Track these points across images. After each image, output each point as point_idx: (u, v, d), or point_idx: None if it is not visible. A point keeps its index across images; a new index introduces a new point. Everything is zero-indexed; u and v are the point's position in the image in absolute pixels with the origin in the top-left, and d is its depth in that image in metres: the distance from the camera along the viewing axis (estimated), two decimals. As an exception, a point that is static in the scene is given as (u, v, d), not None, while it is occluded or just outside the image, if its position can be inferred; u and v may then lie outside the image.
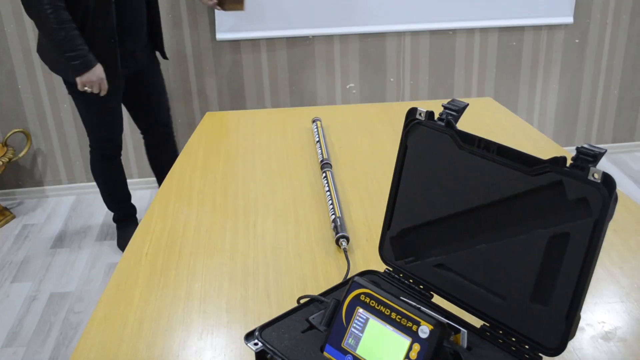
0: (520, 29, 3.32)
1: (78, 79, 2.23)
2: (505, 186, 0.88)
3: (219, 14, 3.04)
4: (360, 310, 0.87)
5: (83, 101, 2.41)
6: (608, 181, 0.78)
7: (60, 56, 2.22)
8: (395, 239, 1.04)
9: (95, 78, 2.22)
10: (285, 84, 3.30)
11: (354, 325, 0.87)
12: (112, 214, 2.83)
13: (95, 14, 2.18)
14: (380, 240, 1.07)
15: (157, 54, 2.63)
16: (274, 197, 1.56)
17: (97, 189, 3.39)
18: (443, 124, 0.97)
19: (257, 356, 0.92)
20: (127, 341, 1.06)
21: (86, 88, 2.25)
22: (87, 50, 2.18)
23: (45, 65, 3.09)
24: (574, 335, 0.83)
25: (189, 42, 3.14)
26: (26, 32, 3.03)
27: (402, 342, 0.82)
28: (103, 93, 2.29)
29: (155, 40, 2.57)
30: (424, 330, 0.80)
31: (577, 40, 3.40)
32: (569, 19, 3.30)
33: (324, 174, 1.63)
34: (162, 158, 2.79)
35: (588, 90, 3.54)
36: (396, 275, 1.05)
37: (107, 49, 2.25)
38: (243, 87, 3.29)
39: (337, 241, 1.32)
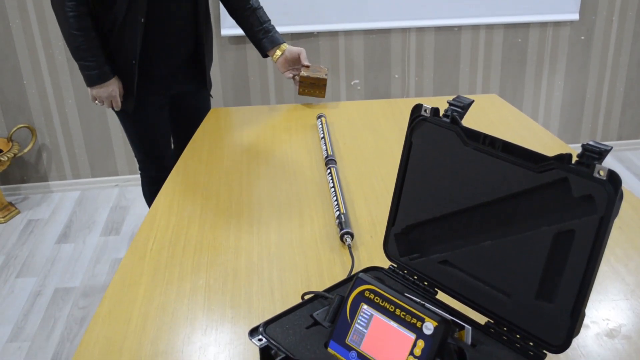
0: (526, 25, 3.31)
1: (89, 90, 2.10)
2: (511, 183, 0.88)
3: (223, 9, 3.04)
4: (365, 306, 0.87)
5: (125, 119, 2.26)
6: (613, 178, 0.78)
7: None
8: (400, 235, 1.04)
9: (105, 94, 2.08)
10: (289, 80, 3.29)
11: (358, 321, 0.87)
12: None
13: (123, 31, 2.03)
14: (384, 237, 1.07)
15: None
16: (279, 193, 1.56)
17: (102, 185, 3.40)
18: (448, 120, 0.97)
19: (262, 352, 0.92)
20: (131, 336, 1.07)
21: (96, 102, 2.13)
22: (102, 63, 2.03)
23: (49, 61, 3.10)
24: (578, 332, 0.83)
25: (194, 38, 3.14)
26: (31, 27, 3.03)
27: (407, 338, 0.82)
28: (117, 109, 2.15)
29: (200, 68, 2.28)
30: (429, 327, 0.80)
31: (582, 37, 3.38)
32: (575, 16, 3.29)
33: (328, 171, 1.63)
34: None
35: (593, 88, 3.53)
36: (400, 272, 1.04)
37: (125, 69, 2.09)
38: (248, 83, 3.29)
39: (341, 237, 1.32)
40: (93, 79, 2.05)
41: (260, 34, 2.17)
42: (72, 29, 1.98)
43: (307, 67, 2.17)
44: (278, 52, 2.16)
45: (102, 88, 2.06)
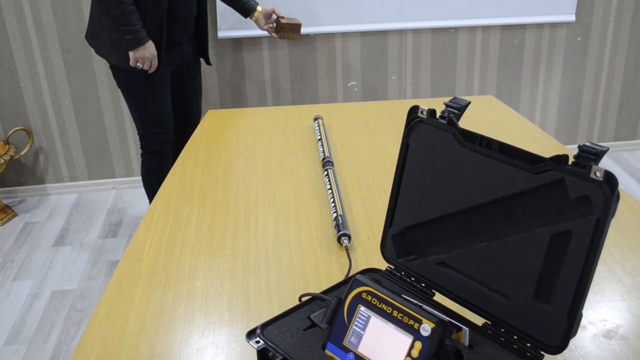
0: (522, 26, 3.32)
1: (131, 54, 2.28)
2: (507, 184, 0.88)
3: (220, 11, 3.04)
4: (362, 308, 0.87)
5: (132, 91, 2.46)
6: (610, 179, 0.78)
7: (112, 37, 2.29)
8: (397, 237, 1.04)
9: (148, 54, 2.29)
10: (286, 82, 3.30)
11: (356, 323, 0.87)
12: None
13: (148, 0, 2.24)
14: (382, 238, 1.07)
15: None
16: (276, 195, 1.56)
17: (99, 187, 3.40)
18: (445, 122, 0.97)
19: (259, 354, 0.92)
20: (128, 339, 1.06)
21: (138, 64, 2.30)
22: (141, 26, 2.25)
23: (46, 64, 3.09)
24: (575, 333, 0.83)
25: (191, 40, 3.14)
26: (27, 30, 3.03)
27: (404, 340, 0.82)
28: (152, 70, 2.34)
29: (200, 38, 2.60)
30: (426, 328, 0.80)
31: (579, 38, 3.39)
32: (571, 17, 3.29)
33: (325, 172, 1.63)
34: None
35: (590, 88, 3.53)
36: (398, 273, 1.04)
37: (153, 36, 2.29)
38: (245, 85, 3.29)
39: (338, 239, 1.32)
40: (135, 42, 2.26)
41: (242, 0, 2.63)
42: None
43: (283, 17, 2.69)
44: (256, 13, 2.64)
45: (145, 49, 2.28)
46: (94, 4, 2.33)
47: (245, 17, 2.67)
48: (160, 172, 2.64)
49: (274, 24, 2.70)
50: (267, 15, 2.67)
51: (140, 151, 2.66)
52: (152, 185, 2.68)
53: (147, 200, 3.19)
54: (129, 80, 2.43)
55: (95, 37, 2.40)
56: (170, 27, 2.37)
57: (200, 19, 2.54)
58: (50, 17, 3.02)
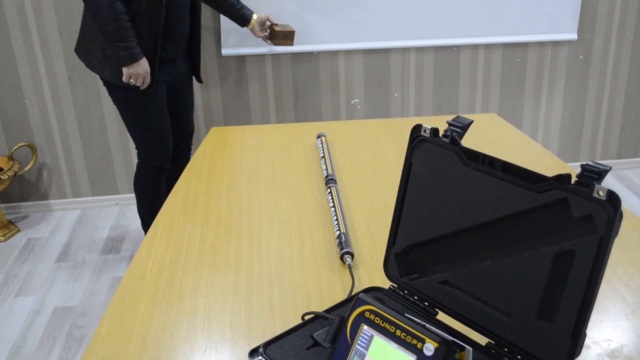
0: (525, 45, 3.33)
1: (124, 70, 2.28)
2: (510, 203, 0.88)
3: (224, 29, 3.06)
4: (365, 327, 0.87)
5: (131, 110, 2.47)
6: (613, 199, 0.78)
7: (106, 52, 2.31)
8: (400, 255, 1.04)
9: (142, 71, 2.30)
10: (290, 99, 3.31)
11: (359, 342, 0.86)
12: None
13: (144, 16, 2.25)
14: (385, 257, 1.06)
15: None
16: (279, 212, 1.56)
17: (102, 203, 3.40)
18: (448, 140, 0.97)
19: (261, 373, 0.91)
20: (131, 356, 1.06)
21: (131, 80, 2.30)
22: (136, 43, 2.26)
23: (50, 80, 3.11)
24: (579, 353, 0.83)
25: (195, 57, 3.16)
26: (33, 46, 3.05)
27: (407, 359, 0.81)
28: (144, 87, 2.35)
29: (192, 54, 2.63)
30: (429, 348, 0.80)
31: (581, 56, 3.41)
32: (573, 35, 3.31)
33: (328, 190, 1.63)
34: (173, 174, 2.74)
35: (592, 106, 3.54)
36: (401, 292, 1.04)
37: (147, 52, 2.31)
38: (248, 103, 3.30)
39: (341, 257, 1.32)
40: (129, 58, 2.27)
41: (241, 10, 2.71)
42: (107, 13, 2.20)
43: (277, 24, 2.78)
44: (252, 22, 2.73)
45: (140, 66, 2.29)
46: (88, 18, 2.34)
47: (242, 26, 2.74)
48: (156, 188, 2.65)
49: (268, 31, 2.79)
50: (262, 23, 2.75)
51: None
52: (146, 200, 2.69)
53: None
54: (129, 99, 2.43)
55: (88, 51, 2.40)
56: (164, 43, 2.38)
57: (193, 36, 2.57)
58: (56, 34, 3.04)
